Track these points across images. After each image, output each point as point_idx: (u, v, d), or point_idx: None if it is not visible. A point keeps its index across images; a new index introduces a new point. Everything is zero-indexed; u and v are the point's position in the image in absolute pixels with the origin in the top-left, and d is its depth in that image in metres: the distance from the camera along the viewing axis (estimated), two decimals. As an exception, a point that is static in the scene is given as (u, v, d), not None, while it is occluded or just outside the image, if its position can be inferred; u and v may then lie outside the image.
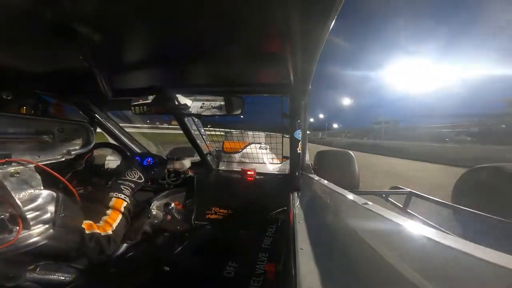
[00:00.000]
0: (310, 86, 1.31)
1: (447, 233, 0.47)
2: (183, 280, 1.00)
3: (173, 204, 1.58)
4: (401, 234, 0.55)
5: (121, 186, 1.24)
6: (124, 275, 1.01)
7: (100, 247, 0.98)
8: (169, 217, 1.54)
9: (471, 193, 2.54)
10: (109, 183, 1.26)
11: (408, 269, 0.46)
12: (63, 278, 0.91)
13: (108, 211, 1.12)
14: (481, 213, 1.58)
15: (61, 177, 0.93)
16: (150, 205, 1.49)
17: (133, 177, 1.31)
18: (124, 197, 1.20)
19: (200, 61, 1.16)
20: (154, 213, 1.47)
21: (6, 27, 0.77)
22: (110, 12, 0.76)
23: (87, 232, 0.94)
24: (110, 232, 1.04)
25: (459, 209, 1.73)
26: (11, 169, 0.78)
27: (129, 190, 1.25)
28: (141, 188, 1.61)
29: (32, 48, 0.96)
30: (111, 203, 1.14)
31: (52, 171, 0.89)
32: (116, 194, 1.19)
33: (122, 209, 1.15)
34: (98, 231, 0.99)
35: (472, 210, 1.63)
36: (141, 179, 1.35)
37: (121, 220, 1.12)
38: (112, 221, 1.09)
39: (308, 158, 2.07)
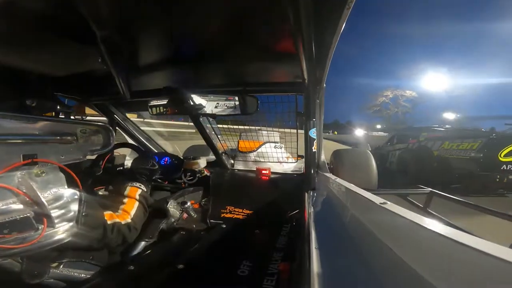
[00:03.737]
0: (324, 85, 1.29)
1: (470, 233, 0.45)
2: (197, 277, 1.01)
3: (189, 203, 1.60)
4: (420, 235, 0.52)
5: (135, 175, 1.28)
6: (142, 272, 1.04)
7: (122, 235, 1.02)
8: (185, 215, 1.56)
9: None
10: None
11: (428, 271, 0.45)
12: (84, 275, 0.94)
13: (125, 200, 1.15)
14: (506, 213, 1.50)
15: (77, 180, 0.96)
16: (167, 204, 1.52)
17: (146, 165, 1.34)
18: (139, 185, 1.23)
19: (215, 61, 1.17)
20: (170, 212, 1.50)
21: (27, 32, 0.80)
22: (128, 15, 0.78)
23: (108, 222, 0.97)
24: (129, 220, 1.07)
25: (483, 208, 1.65)
26: (37, 169, 0.81)
27: (143, 177, 1.28)
28: (159, 188, 1.64)
29: (53, 52, 1.00)
30: (126, 192, 1.18)
31: (72, 173, 0.91)
32: (130, 183, 1.22)
33: (137, 197, 1.18)
34: (118, 220, 1.02)
35: (497, 210, 1.56)
36: (154, 166, 1.38)
37: (138, 207, 1.15)
38: (129, 208, 1.12)
39: (324, 157, 2.04)
